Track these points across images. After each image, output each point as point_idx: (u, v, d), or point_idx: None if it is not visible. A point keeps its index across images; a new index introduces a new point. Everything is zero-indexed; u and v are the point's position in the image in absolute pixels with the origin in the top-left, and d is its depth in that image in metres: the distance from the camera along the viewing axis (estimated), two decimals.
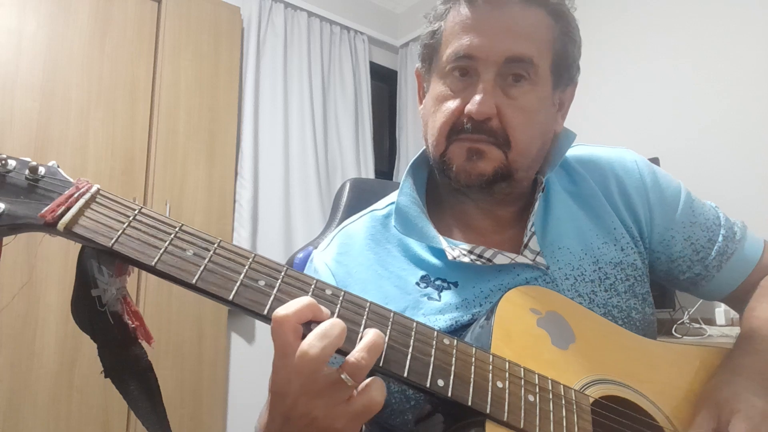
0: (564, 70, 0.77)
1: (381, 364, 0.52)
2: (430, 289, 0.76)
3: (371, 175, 3.43)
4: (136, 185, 2.52)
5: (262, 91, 3.07)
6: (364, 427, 0.89)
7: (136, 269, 0.52)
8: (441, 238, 0.76)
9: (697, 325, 2.18)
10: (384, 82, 3.92)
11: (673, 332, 2.20)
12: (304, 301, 0.50)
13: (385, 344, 0.53)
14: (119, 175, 2.47)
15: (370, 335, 0.50)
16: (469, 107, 0.71)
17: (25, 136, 2.26)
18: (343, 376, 0.48)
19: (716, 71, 2.43)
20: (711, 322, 2.19)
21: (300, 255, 1.26)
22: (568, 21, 0.76)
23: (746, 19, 2.36)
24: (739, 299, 0.84)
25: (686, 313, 2.23)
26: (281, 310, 0.49)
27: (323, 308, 0.51)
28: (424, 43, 0.80)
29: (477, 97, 0.71)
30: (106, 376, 0.53)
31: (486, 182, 0.74)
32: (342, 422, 0.50)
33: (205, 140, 2.75)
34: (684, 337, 2.15)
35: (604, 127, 2.80)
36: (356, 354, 0.49)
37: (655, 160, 2.28)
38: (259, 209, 2.95)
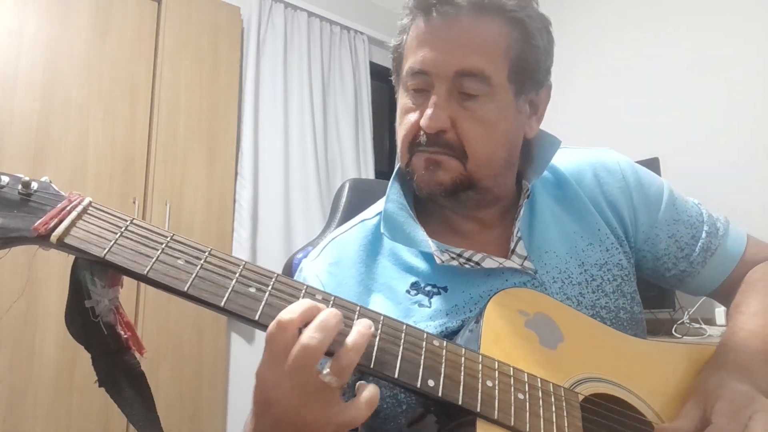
0: (526, 77, 0.76)
1: (372, 366, 0.53)
2: (420, 296, 0.76)
3: (371, 175, 3.43)
4: (136, 185, 2.52)
5: (262, 91, 3.07)
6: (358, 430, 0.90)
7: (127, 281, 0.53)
8: (430, 241, 0.77)
9: (697, 325, 2.18)
10: (384, 82, 3.91)
11: (673, 332, 2.20)
12: (305, 303, 0.51)
13: (376, 346, 0.54)
14: (119, 175, 2.48)
15: (353, 335, 0.51)
16: (422, 121, 0.73)
17: (25, 136, 2.26)
18: (328, 378, 0.49)
19: (716, 71, 2.43)
20: (711, 322, 2.19)
21: (299, 255, 1.27)
22: (526, 26, 0.74)
23: (746, 18, 2.36)
24: (725, 294, 0.85)
25: (686, 313, 2.23)
26: (286, 314, 0.49)
27: (320, 306, 0.52)
28: (391, 56, 0.81)
29: (428, 111, 0.72)
30: (100, 385, 0.54)
31: (446, 192, 0.75)
32: (331, 428, 0.50)
33: (205, 140, 2.75)
34: (684, 337, 2.15)
35: (604, 126, 2.80)
36: (340, 354, 0.50)
37: (655, 160, 2.29)
38: (259, 209, 2.95)
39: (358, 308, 0.57)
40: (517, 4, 0.73)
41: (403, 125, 0.77)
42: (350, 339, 0.51)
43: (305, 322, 0.50)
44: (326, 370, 0.50)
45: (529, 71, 0.76)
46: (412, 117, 0.75)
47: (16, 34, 2.31)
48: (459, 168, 0.74)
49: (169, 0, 2.71)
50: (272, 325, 0.49)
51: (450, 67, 0.71)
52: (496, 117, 0.74)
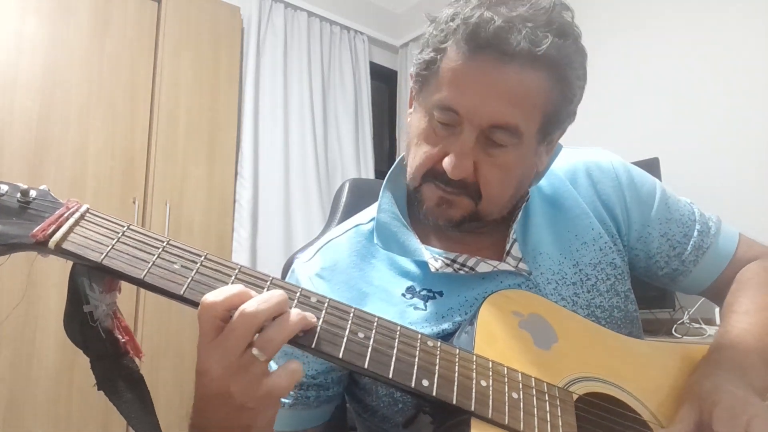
0: (553, 128, 0.74)
1: (366, 367, 0.53)
2: (415, 300, 0.76)
3: (371, 175, 3.43)
4: (136, 185, 2.53)
5: (262, 91, 3.07)
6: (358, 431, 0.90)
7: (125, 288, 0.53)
8: (423, 249, 0.77)
9: (697, 325, 2.18)
10: (384, 82, 3.91)
11: (673, 332, 2.20)
12: (234, 288, 0.51)
13: (370, 347, 0.54)
14: (119, 175, 2.48)
15: (287, 313, 0.51)
16: (446, 165, 0.70)
17: (25, 136, 2.27)
18: (254, 351, 0.50)
19: (716, 71, 2.43)
20: (711, 322, 2.19)
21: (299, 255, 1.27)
22: (569, 82, 0.71)
23: (746, 19, 2.35)
24: (717, 293, 0.86)
25: (686, 313, 2.23)
26: (210, 297, 0.50)
27: (252, 293, 0.52)
28: (417, 71, 0.75)
29: (454, 160, 0.69)
30: (99, 389, 0.55)
31: (454, 226, 0.76)
32: (254, 402, 0.51)
33: (205, 140, 2.76)
34: (684, 337, 2.15)
35: (604, 127, 2.80)
36: (267, 329, 0.50)
37: (655, 160, 2.28)
38: (259, 209, 2.95)
39: (352, 310, 0.57)
40: (566, 59, 0.69)
41: (421, 150, 0.74)
42: (283, 316, 0.51)
43: (231, 307, 0.50)
44: (254, 349, 0.50)
45: (559, 123, 0.75)
46: (432, 150, 0.73)
47: (16, 34, 2.31)
48: (471, 206, 0.74)
49: (169, 0, 2.72)
50: (200, 306, 0.50)
51: (486, 118, 0.68)
52: (516, 165, 0.73)
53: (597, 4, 2.88)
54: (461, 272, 0.75)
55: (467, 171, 0.70)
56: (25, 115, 2.28)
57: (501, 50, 0.66)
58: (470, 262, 0.76)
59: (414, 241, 0.78)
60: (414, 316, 0.75)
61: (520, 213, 0.80)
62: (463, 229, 0.78)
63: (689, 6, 2.55)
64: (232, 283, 0.53)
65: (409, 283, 0.78)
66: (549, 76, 0.68)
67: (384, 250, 0.80)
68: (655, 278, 0.88)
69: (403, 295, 0.77)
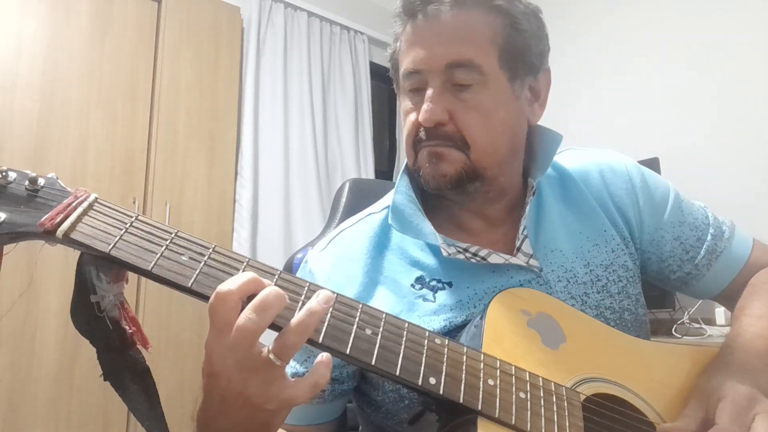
0: (518, 61, 0.77)
1: (374, 364, 0.53)
2: (425, 291, 0.76)
3: (371, 175, 3.43)
4: (136, 185, 2.52)
5: (262, 91, 3.07)
6: (360, 427, 0.90)
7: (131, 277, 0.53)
8: (437, 234, 0.77)
9: (697, 325, 2.19)
10: (384, 82, 3.90)
11: (673, 332, 2.20)
12: (246, 276, 0.50)
13: (378, 344, 0.54)
14: (119, 175, 2.48)
15: (299, 315, 0.50)
16: (420, 117, 0.75)
17: (25, 136, 2.26)
18: (270, 356, 0.49)
19: (716, 71, 2.44)
20: (711, 322, 2.20)
21: (299, 255, 1.27)
22: (510, 13, 0.76)
23: (746, 18, 2.36)
24: (730, 297, 0.86)
25: (686, 313, 2.24)
26: (224, 286, 0.49)
27: (265, 281, 0.51)
28: (389, 64, 0.85)
29: (424, 106, 0.74)
30: (105, 379, 0.54)
31: (451, 183, 0.76)
32: (274, 404, 0.50)
33: (205, 140, 2.75)
34: (684, 337, 2.16)
35: (604, 127, 2.81)
36: (283, 335, 0.49)
37: (655, 160, 2.29)
38: (259, 209, 2.95)
39: (360, 306, 0.57)
40: None
41: (405, 126, 0.79)
42: (294, 319, 0.50)
43: (245, 294, 0.49)
44: (270, 347, 0.49)
45: (520, 55, 0.77)
46: (413, 116, 0.77)
47: (16, 34, 2.30)
48: (462, 159, 0.75)
49: (169, 0, 2.71)
50: (212, 297, 0.49)
51: (440, 61, 0.73)
52: (493, 104, 0.75)
53: (598, 5, 2.89)
54: (473, 260, 0.75)
55: (438, 114, 0.73)
56: (25, 115, 2.27)
57: (430, 4, 0.74)
58: (482, 253, 0.76)
59: (427, 226, 0.78)
60: (423, 309, 0.75)
61: (530, 208, 0.80)
62: (468, 192, 0.77)
63: (689, 6, 2.56)
64: None
65: (419, 273, 0.78)
66: (484, 9, 0.75)
67: (398, 231, 0.81)
68: (667, 282, 0.88)
69: (412, 285, 0.77)
